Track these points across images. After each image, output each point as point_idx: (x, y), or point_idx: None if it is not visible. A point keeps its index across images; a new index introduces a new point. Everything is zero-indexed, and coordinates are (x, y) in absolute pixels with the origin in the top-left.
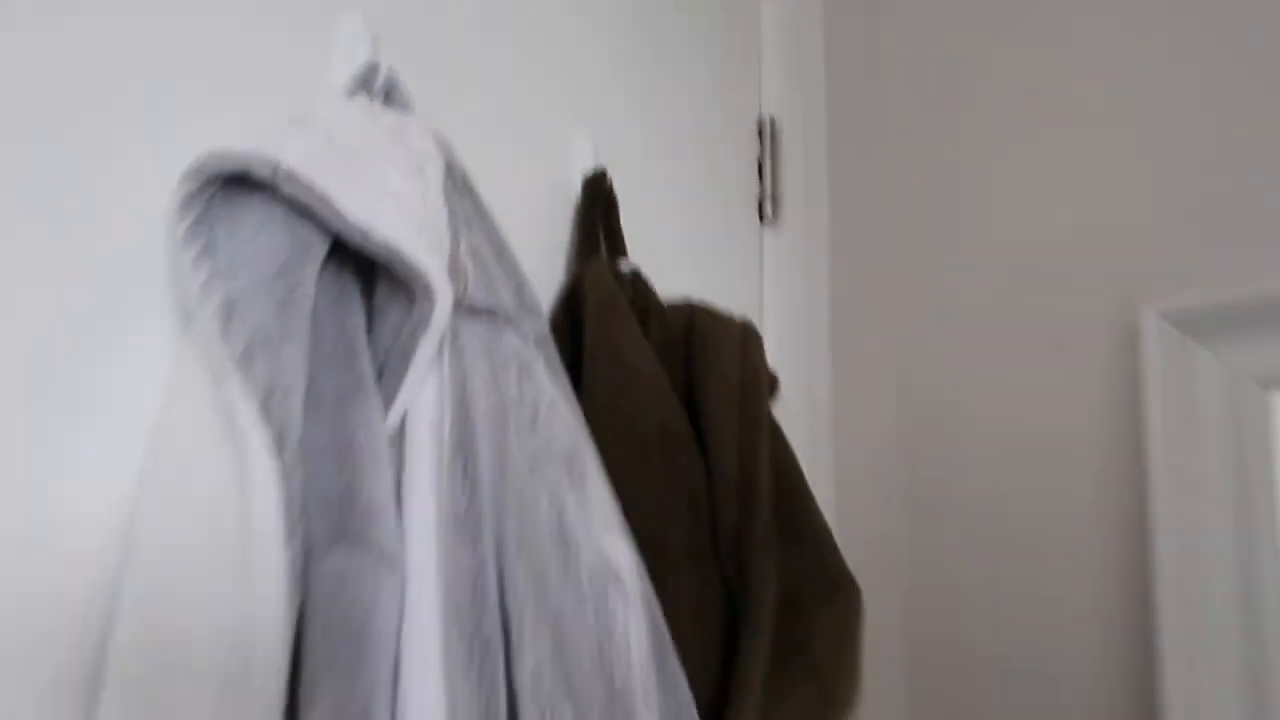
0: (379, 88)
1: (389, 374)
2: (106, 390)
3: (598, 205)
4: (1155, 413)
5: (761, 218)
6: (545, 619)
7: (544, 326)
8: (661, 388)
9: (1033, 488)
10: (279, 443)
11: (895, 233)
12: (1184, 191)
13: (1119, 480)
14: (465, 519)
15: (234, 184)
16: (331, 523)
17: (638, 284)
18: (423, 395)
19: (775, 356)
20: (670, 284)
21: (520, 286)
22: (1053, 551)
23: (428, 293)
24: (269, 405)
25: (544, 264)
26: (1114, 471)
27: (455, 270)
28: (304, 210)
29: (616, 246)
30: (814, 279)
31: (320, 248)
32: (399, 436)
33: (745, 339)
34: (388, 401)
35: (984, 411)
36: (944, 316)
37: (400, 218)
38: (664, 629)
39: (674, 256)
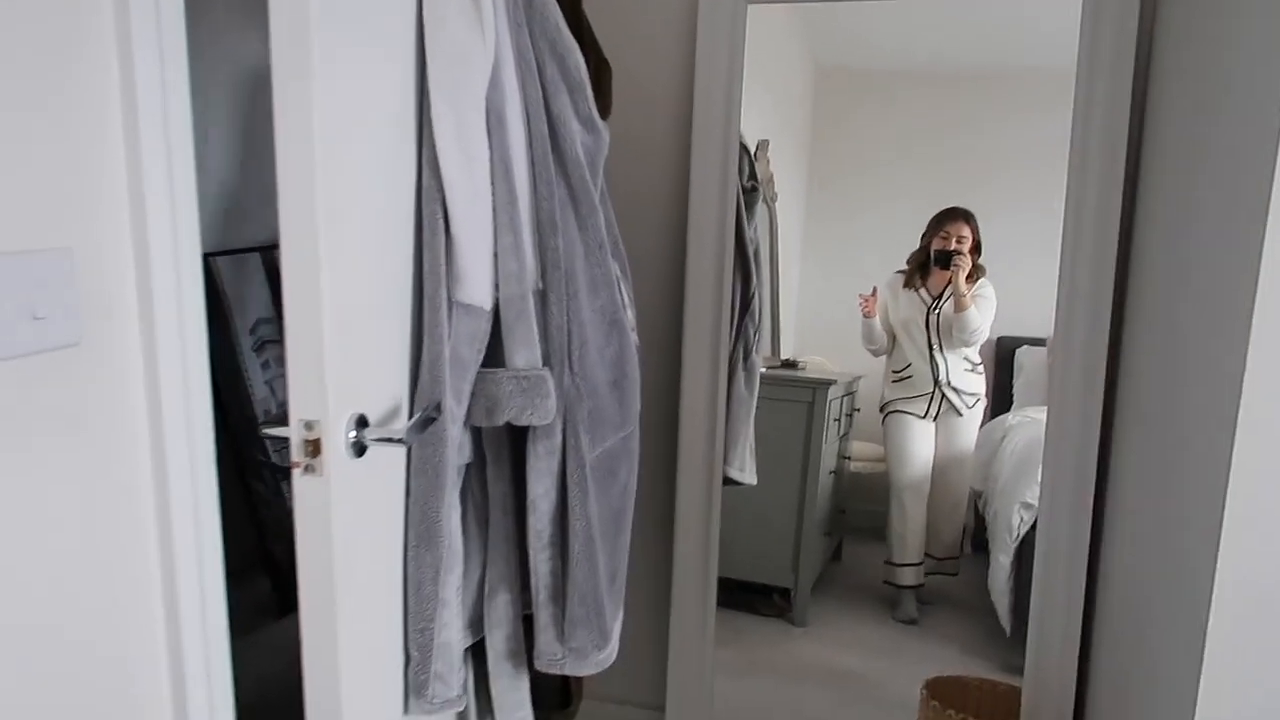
0: None
1: None
2: None
3: None
4: (705, 14)
5: None
6: (562, 75)
7: None
8: None
9: (652, 57)
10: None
11: None
12: None
13: (685, 61)
14: (518, 28)
15: None
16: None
17: None
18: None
19: None
20: None
21: None
22: (653, 98)
23: None
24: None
25: None
26: (681, 53)
27: None
28: None
29: None
30: None
31: None
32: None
33: None
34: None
35: (643, 30)
36: None
37: None
38: None
39: None
